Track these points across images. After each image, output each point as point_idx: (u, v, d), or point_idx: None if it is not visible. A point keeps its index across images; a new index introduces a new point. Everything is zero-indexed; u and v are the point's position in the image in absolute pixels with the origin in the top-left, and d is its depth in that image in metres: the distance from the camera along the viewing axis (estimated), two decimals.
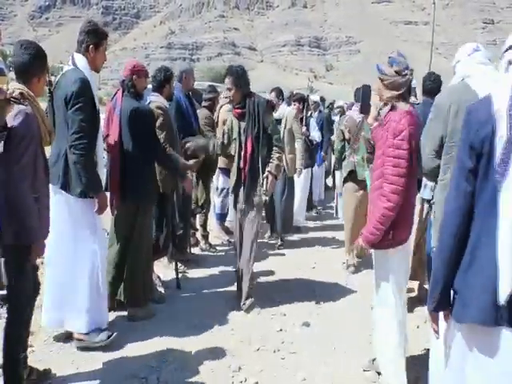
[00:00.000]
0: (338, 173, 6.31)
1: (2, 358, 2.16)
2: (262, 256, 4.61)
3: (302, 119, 5.58)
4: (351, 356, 2.81)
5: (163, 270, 4.06)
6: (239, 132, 3.40)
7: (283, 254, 4.95)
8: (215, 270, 4.31)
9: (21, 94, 2.11)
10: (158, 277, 3.75)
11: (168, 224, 3.71)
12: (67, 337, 2.84)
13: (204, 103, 4.88)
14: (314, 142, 6.19)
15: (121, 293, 3.23)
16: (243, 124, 3.38)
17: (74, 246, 2.72)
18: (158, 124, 3.44)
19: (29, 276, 2.18)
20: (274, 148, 3.36)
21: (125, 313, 3.20)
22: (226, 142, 3.51)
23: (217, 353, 2.80)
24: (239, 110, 3.40)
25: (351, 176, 4.28)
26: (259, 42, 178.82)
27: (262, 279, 4.13)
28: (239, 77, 3.36)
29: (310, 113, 6.24)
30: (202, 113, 4.66)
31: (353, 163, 4.26)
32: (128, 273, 3.18)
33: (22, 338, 2.22)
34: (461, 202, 1.40)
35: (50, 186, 2.46)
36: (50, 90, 2.75)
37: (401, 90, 2.28)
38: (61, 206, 2.67)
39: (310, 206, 6.70)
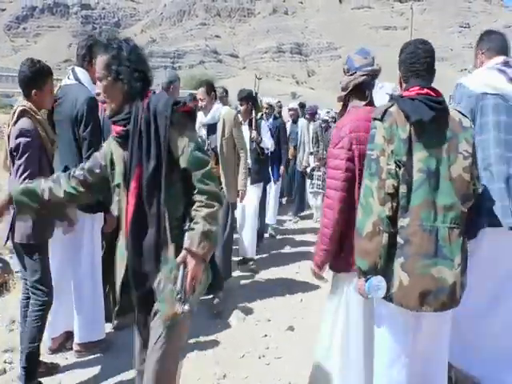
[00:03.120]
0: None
1: (27, 341, 2.36)
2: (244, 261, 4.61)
3: (250, 122, 4.63)
4: None
5: None
6: (124, 170, 1.71)
7: (267, 259, 4.96)
8: None
9: (22, 111, 2.36)
10: None
11: None
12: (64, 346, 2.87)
13: None
14: (266, 151, 4.93)
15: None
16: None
17: (78, 259, 2.77)
18: None
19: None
20: (198, 196, 1.62)
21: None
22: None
23: (202, 360, 2.79)
24: (119, 128, 1.71)
25: None
26: (241, 49, 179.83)
27: (245, 284, 4.13)
28: (114, 58, 1.71)
29: (260, 114, 5.34)
30: None
31: None
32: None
33: (45, 322, 2.46)
34: None
35: None
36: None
37: (347, 90, 2.10)
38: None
39: (262, 234, 5.27)
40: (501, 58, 2.32)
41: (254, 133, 4.61)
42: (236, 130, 3.81)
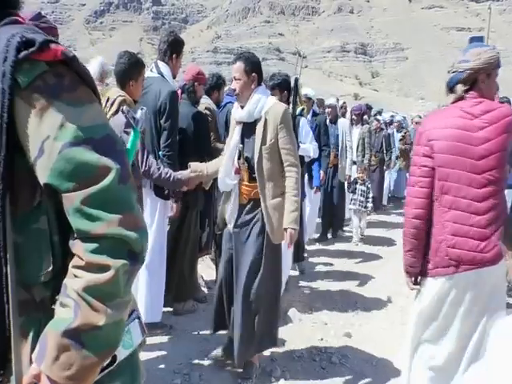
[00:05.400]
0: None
1: None
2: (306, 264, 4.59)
3: None
4: (390, 373, 2.73)
5: (206, 269, 4.13)
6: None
7: (330, 264, 4.89)
8: None
9: (122, 101, 2.45)
10: (201, 276, 3.83)
11: (210, 223, 3.77)
12: None
13: None
14: (307, 160, 3.85)
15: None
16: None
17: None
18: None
19: None
20: (76, 245, 0.76)
21: (169, 309, 3.30)
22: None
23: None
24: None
25: None
26: (304, 47, 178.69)
27: (305, 285, 4.11)
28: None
29: (300, 109, 3.84)
30: None
31: None
32: (177, 268, 3.26)
33: None
34: None
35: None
36: None
37: (450, 93, 1.98)
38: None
39: (298, 255, 4.20)
40: None
41: None
42: (284, 133, 2.41)
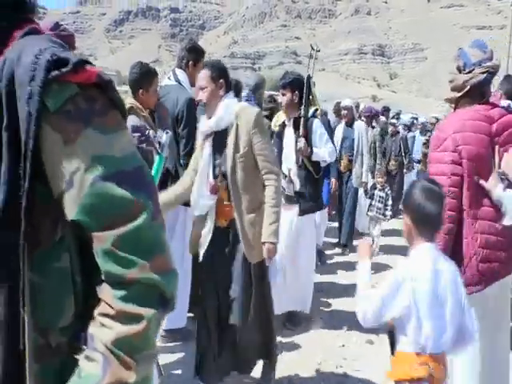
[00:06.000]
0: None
1: None
2: (327, 267, 4.54)
3: (297, 123, 3.11)
4: None
5: None
6: None
7: (351, 269, 4.84)
8: None
9: (129, 108, 2.52)
10: None
11: None
12: None
13: (264, 112, 4.92)
14: (323, 165, 3.29)
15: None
16: None
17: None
18: None
19: None
20: (105, 291, 0.68)
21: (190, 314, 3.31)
22: None
23: (277, 363, 2.79)
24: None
25: None
26: (321, 50, 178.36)
27: (324, 289, 4.07)
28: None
29: (313, 110, 3.26)
30: None
31: None
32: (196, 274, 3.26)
33: None
34: None
35: None
36: None
37: (462, 90, 1.84)
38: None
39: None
40: None
41: (302, 141, 3.02)
42: (259, 138, 2.17)
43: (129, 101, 2.62)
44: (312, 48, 3.36)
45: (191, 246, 2.34)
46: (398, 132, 7.11)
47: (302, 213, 3.09)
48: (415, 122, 8.52)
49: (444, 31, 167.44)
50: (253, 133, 2.16)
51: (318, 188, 3.28)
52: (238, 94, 3.85)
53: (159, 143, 1.69)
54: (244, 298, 2.18)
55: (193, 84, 3.03)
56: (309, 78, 3.08)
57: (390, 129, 6.82)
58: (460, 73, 1.84)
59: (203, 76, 2.20)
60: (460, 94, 1.84)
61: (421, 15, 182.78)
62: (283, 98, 3.10)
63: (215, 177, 2.20)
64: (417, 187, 1.49)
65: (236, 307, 2.19)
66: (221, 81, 2.20)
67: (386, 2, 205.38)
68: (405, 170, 7.19)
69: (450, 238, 1.77)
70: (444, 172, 1.76)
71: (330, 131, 4.60)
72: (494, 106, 1.89)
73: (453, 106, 1.92)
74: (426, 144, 7.78)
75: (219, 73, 2.22)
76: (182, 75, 2.91)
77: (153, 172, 1.68)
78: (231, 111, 2.17)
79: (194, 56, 2.93)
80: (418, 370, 1.36)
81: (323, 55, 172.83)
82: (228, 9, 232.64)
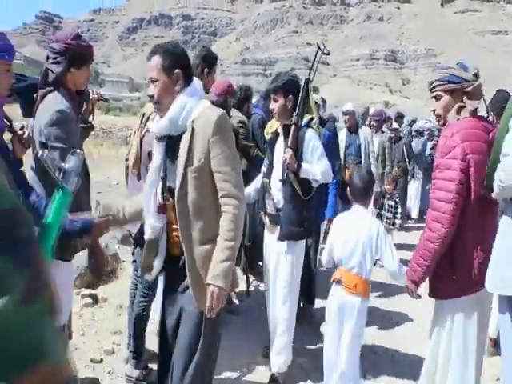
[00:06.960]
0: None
1: (134, 328, 2.54)
2: None
3: (287, 131, 2.51)
4: None
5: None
6: None
7: None
8: None
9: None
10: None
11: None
12: None
13: None
14: (315, 185, 2.57)
15: None
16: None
17: None
18: (242, 136, 3.49)
19: None
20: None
21: None
22: None
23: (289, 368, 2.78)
24: None
25: None
26: (332, 56, 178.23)
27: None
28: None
29: (308, 118, 2.61)
30: None
31: None
32: None
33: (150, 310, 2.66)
34: None
35: None
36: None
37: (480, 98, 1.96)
38: None
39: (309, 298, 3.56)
40: None
41: (289, 152, 2.41)
42: (219, 149, 1.66)
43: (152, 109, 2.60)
44: (318, 47, 2.70)
45: (143, 273, 1.87)
46: (401, 137, 6.99)
47: (283, 238, 2.48)
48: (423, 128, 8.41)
49: (458, 36, 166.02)
50: (212, 141, 1.63)
51: (307, 211, 2.54)
52: (247, 100, 3.87)
53: (62, 170, 1.24)
54: (187, 359, 1.69)
55: (208, 91, 3.06)
56: (307, 81, 2.53)
57: (393, 135, 6.72)
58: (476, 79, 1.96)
59: (153, 65, 1.68)
60: (478, 102, 1.94)
61: (434, 20, 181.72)
62: (275, 105, 2.50)
63: (163, 192, 1.73)
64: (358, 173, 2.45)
65: (176, 372, 1.71)
66: (176, 71, 1.69)
67: (398, 8, 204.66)
68: (409, 177, 7.03)
69: (447, 241, 1.86)
70: (452, 178, 1.82)
71: (335, 140, 3.88)
72: (483, 118, 2.05)
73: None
74: (434, 149, 7.68)
75: (174, 61, 1.69)
76: (197, 83, 2.94)
77: (49, 218, 1.18)
78: (189, 111, 1.68)
79: (207, 63, 2.93)
80: (336, 273, 2.37)
81: (335, 61, 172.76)
82: (240, 15, 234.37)
